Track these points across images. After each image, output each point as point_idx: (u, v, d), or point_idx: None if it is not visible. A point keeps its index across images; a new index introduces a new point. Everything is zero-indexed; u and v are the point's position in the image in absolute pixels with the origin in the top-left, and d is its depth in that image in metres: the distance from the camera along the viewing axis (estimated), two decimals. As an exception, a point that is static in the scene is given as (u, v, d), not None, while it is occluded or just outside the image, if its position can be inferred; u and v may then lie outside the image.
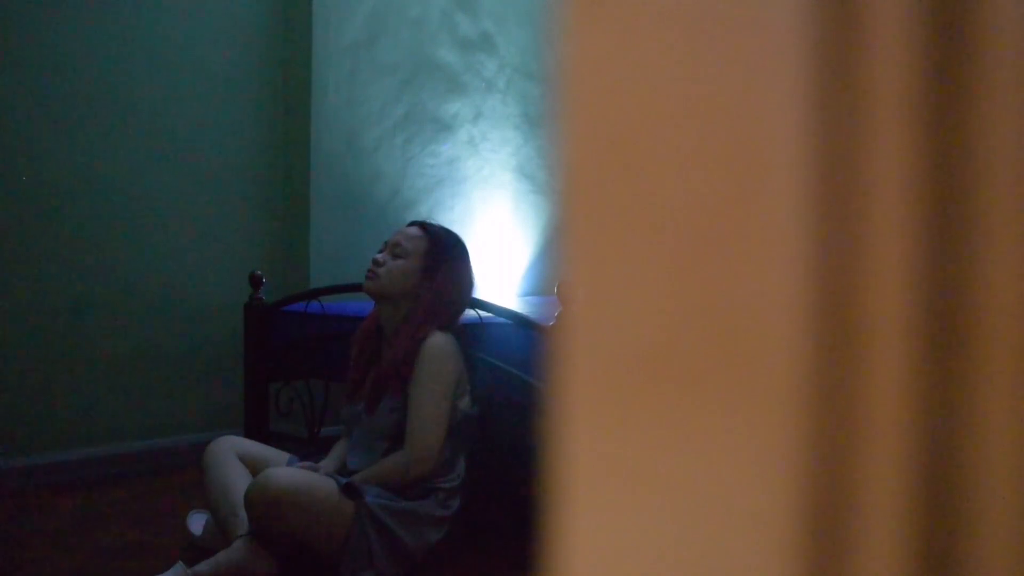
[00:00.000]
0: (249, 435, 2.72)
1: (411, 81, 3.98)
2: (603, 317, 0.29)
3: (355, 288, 2.54)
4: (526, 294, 4.28)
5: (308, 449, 2.59)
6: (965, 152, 0.24)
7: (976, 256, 0.24)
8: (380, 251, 2.30)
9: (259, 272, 3.02)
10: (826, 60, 0.25)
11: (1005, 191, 0.24)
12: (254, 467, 2.20)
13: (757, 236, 0.26)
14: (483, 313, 2.46)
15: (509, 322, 2.43)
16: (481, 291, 3.98)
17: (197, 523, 2.36)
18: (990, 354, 0.24)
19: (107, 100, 3.23)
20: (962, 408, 0.25)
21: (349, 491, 2.06)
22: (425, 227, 2.32)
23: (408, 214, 3.96)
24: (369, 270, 2.26)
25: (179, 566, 2.02)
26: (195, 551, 2.20)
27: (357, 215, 3.78)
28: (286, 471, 2.09)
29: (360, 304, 2.80)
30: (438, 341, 2.16)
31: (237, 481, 2.13)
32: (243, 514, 2.04)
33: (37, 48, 3.06)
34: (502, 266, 4.26)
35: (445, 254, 2.27)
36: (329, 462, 2.26)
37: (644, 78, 0.28)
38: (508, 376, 2.34)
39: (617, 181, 0.29)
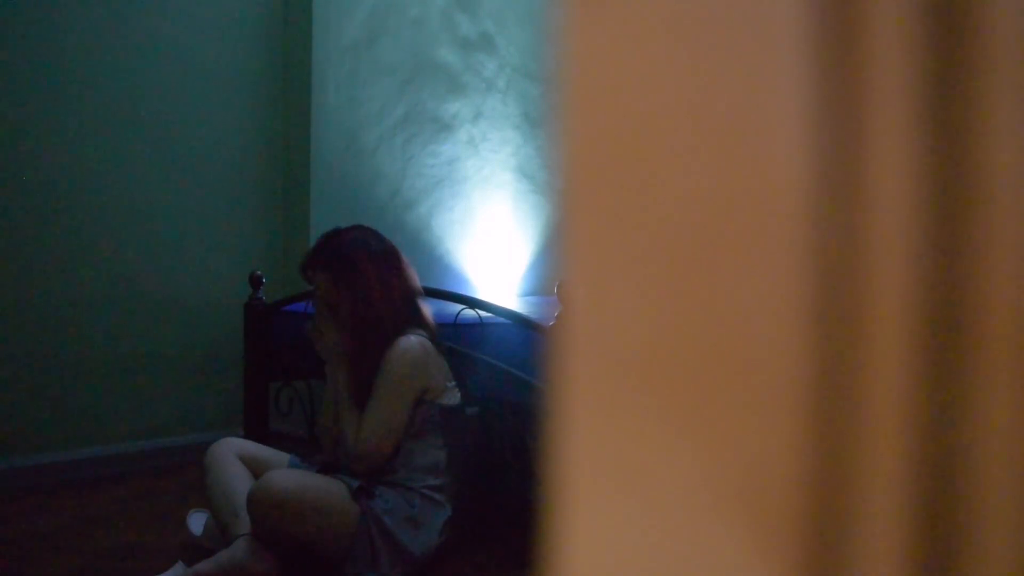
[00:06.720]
0: (249, 435, 2.71)
1: (411, 81, 3.98)
2: (603, 317, 0.29)
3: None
4: (526, 294, 4.27)
5: (308, 449, 2.59)
6: (965, 152, 0.24)
7: (976, 256, 0.24)
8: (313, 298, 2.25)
9: (259, 272, 3.02)
10: (826, 60, 0.25)
11: (1005, 191, 0.24)
12: (256, 468, 2.20)
13: (757, 236, 0.26)
14: (483, 313, 2.46)
15: (509, 322, 2.43)
16: (480, 290, 3.99)
17: (197, 523, 2.36)
18: (990, 354, 0.24)
19: (107, 100, 3.23)
20: (962, 408, 0.25)
21: (359, 494, 2.06)
22: (312, 266, 2.21)
23: (408, 214, 3.95)
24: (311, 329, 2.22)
25: (179, 566, 2.02)
26: (195, 551, 2.20)
27: (357, 215, 3.78)
28: (289, 472, 2.09)
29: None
30: (399, 348, 2.13)
31: (239, 482, 2.13)
32: (244, 514, 2.04)
33: (37, 48, 3.06)
34: (502, 266, 4.26)
35: (342, 271, 2.17)
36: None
37: (644, 78, 0.28)
38: (508, 376, 2.34)
39: (617, 181, 0.29)
